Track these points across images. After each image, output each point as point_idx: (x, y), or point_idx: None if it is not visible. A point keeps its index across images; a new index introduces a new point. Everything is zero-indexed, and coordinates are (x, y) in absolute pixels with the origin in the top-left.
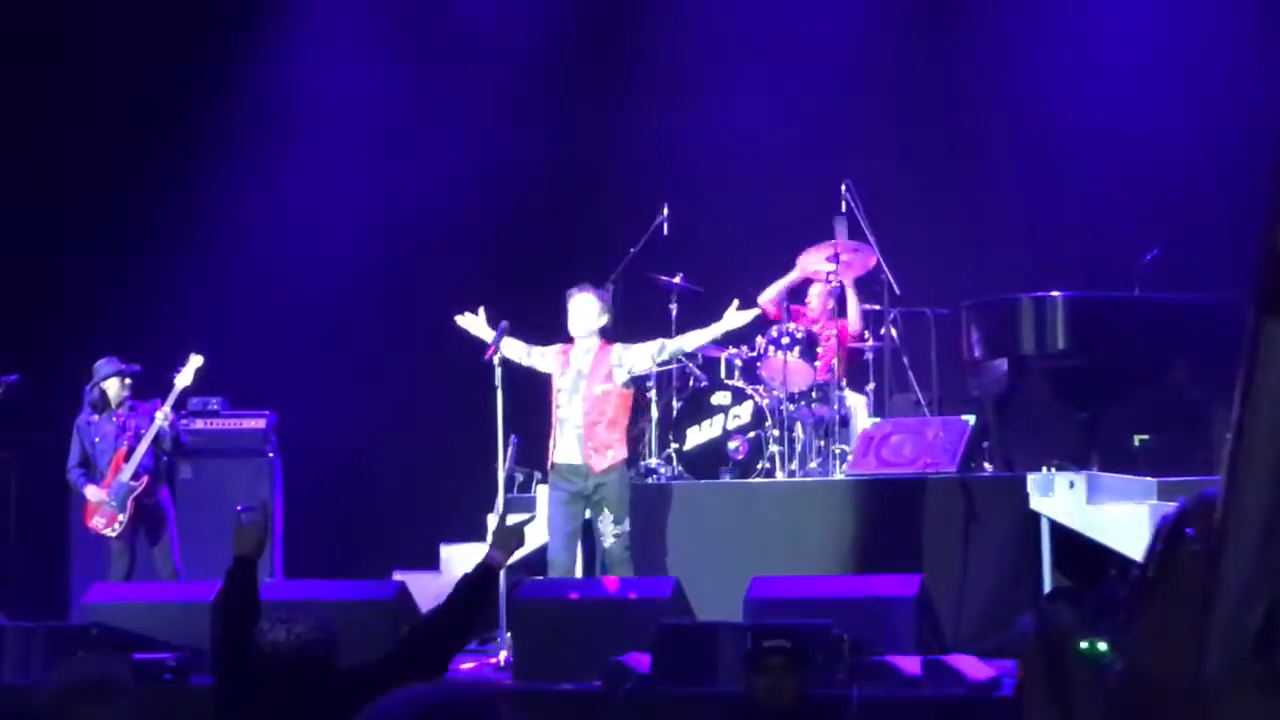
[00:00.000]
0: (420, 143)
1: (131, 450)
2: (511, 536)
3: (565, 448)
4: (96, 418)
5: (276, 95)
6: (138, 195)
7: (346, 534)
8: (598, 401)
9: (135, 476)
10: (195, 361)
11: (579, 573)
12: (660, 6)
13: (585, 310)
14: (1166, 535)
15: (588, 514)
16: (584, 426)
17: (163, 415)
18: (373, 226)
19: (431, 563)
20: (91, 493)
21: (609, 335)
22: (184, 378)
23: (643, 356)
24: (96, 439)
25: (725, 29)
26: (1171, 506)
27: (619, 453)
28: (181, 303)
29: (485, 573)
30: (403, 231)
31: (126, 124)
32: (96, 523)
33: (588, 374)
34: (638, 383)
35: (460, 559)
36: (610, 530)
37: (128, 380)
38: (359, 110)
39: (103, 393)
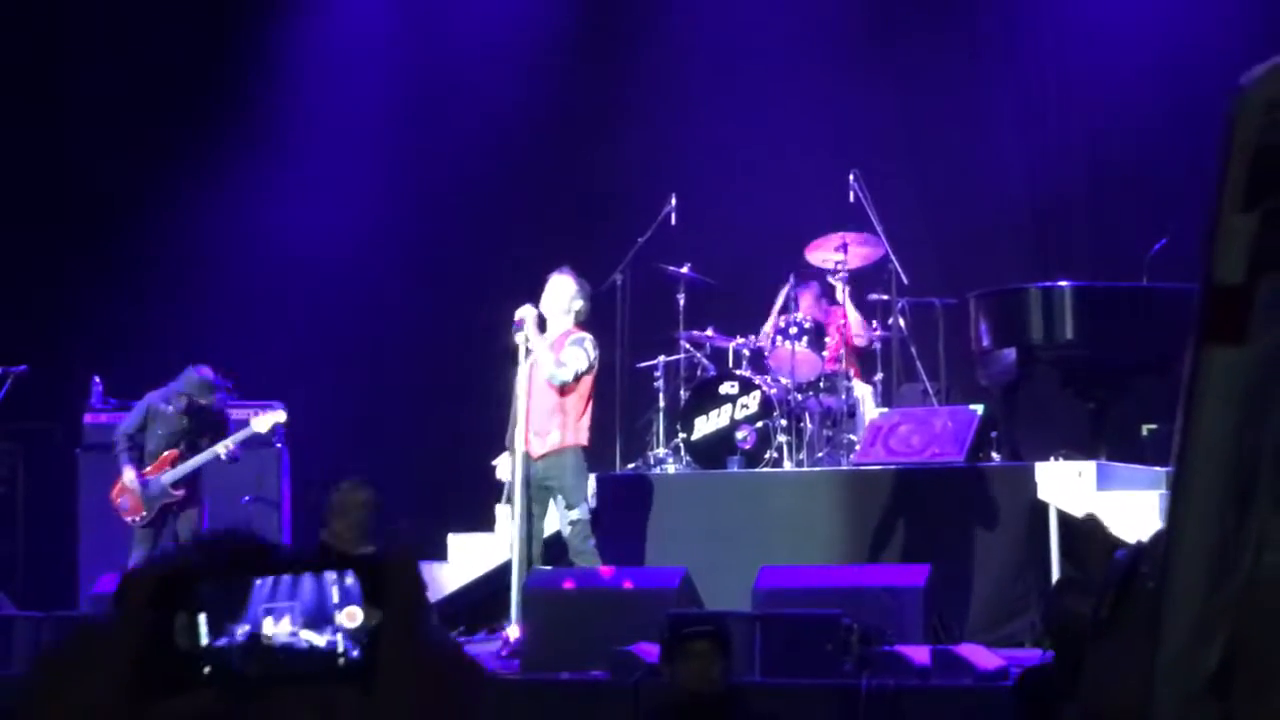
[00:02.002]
0: (428, 138)
1: (183, 457)
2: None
3: (518, 431)
4: (170, 409)
5: (284, 89)
6: (145, 187)
7: None
8: (542, 387)
9: (175, 486)
10: (278, 416)
11: (530, 561)
12: None
13: (557, 292)
14: (1121, 573)
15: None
16: (526, 410)
17: (224, 448)
18: (381, 219)
19: (439, 553)
20: (127, 474)
21: (584, 324)
22: (261, 424)
23: (577, 361)
24: (159, 431)
25: (734, 18)
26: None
27: (561, 438)
28: (190, 293)
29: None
30: (411, 225)
31: (132, 117)
32: (121, 503)
33: (541, 359)
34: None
35: (468, 549)
36: (565, 517)
37: (215, 395)
38: (368, 106)
39: (190, 399)
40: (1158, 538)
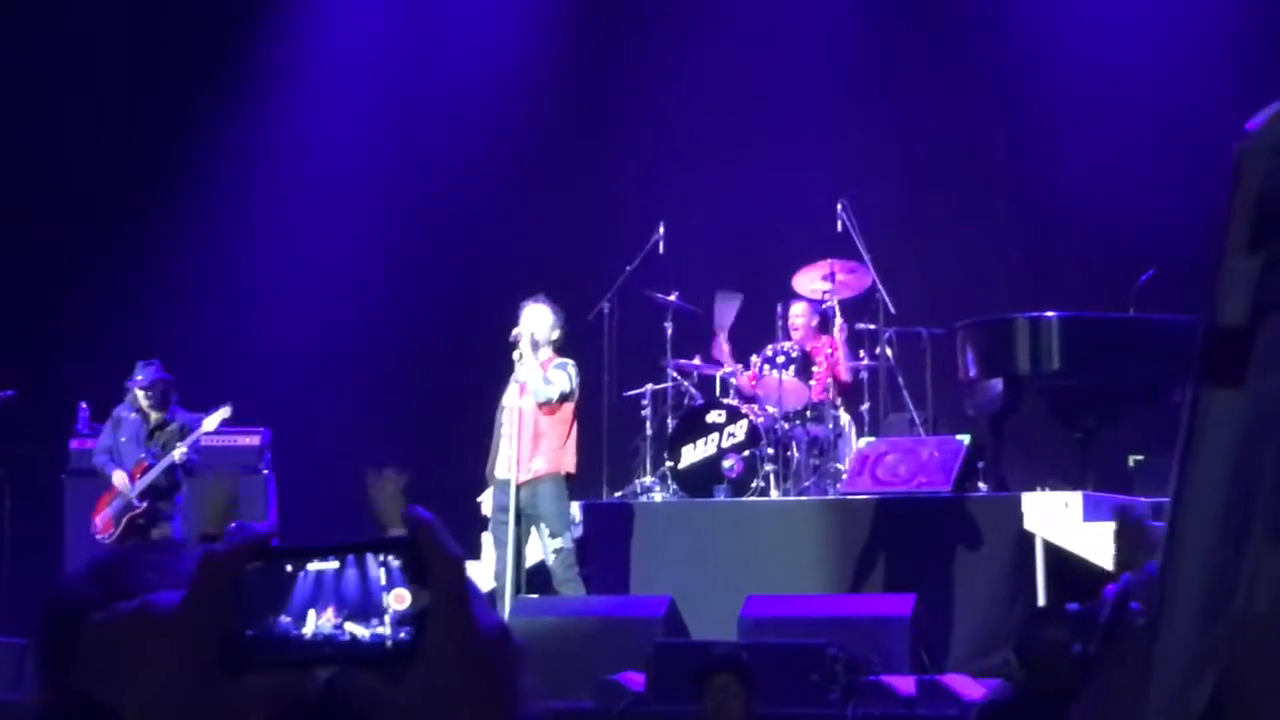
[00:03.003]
0: (415, 163)
1: (150, 467)
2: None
3: (500, 462)
4: (132, 415)
5: (274, 114)
6: (133, 212)
7: None
8: (527, 414)
9: (141, 497)
10: (224, 413)
11: (518, 589)
12: (658, 24)
13: (537, 321)
14: (1113, 609)
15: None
16: (518, 436)
17: (180, 453)
18: (367, 245)
19: None
20: (118, 477)
21: (561, 350)
22: (210, 423)
23: (561, 382)
24: (123, 438)
25: (722, 48)
26: (1162, 525)
27: (544, 465)
28: (175, 319)
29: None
30: (397, 251)
31: (123, 141)
32: (96, 523)
33: (530, 378)
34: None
35: None
36: (549, 545)
37: (151, 393)
38: (357, 131)
39: (135, 397)
40: (1145, 575)
